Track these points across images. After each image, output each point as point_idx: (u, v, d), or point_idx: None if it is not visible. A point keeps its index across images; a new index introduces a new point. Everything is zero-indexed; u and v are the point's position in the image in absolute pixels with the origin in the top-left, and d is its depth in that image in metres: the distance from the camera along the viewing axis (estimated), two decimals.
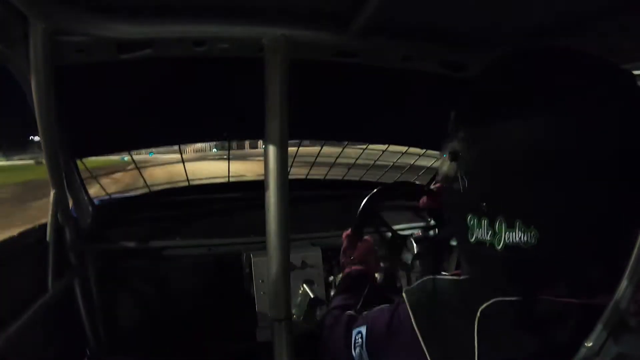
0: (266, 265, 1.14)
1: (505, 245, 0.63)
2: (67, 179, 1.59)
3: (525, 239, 0.61)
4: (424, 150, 2.38)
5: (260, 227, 1.12)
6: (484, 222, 0.66)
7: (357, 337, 0.90)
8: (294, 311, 1.20)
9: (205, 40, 1.14)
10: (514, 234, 0.62)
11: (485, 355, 0.64)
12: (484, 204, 0.66)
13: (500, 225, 0.64)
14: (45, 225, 1.60)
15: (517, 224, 0.62)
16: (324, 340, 1.07)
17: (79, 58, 1.16)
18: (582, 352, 0.56)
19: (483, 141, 0.68)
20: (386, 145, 2.45)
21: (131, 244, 1.95)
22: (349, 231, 1.39)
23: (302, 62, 1.17)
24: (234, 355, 1.99)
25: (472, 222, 0.68)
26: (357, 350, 0.89)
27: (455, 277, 0.75)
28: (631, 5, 0.92)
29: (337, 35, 1.10)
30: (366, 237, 1.40)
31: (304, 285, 1.29)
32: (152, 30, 1.03)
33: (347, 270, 1.28)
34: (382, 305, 0.89)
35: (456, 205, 0.73)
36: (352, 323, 0.96)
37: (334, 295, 1.22)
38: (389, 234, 1.67)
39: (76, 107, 1.46)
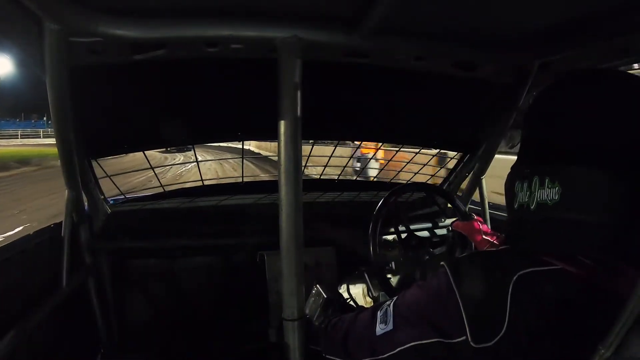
0: (279, 265, 1.14)
1: (537, 204, 0.75)
2: (82, 178, 1.61)
3: (552, 195, 0.72)
4: (437, 150, 2.36)
5: (274, 227, 1.12)
6: (525, 185, 0.78)
7: (387, 302, 0.91)
8: (306, 311, 1.20)
9: (218, 41, 1.15)
10: (543, 191, 0.74)
11: (514, 317, 0.69)
12: (528, 170, 0.78)
13: (535, 184, 0.76)
14: (60, 223, 1.62)
15: (547, 181, 0.73)
16: (343, 329, 1.03)
17: (93, 59, 1.17)
18: (596, 355, 0.56)
19: (534, 126, 0.82)
20: (399, 146, 2.44)
21: (145, 243, 1.97)
22: None
23: (315, 63, 1.17)
24: (246, 355, 2.00)
25: (517, 188, 0.80)
26: (384, 309, 0.89)
27: (494, 249, 0.83)
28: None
29: (349, 35, 1.10)
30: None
31: (317, 285, 1.29)
32: (165, 31, 1.04)
33: None
34: None
35: (509, 180, 0.84)
36: (384, 301, 0.96)
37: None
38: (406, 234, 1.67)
39: (91, 107, 1.47)
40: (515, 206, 0.80)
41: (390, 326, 0.85)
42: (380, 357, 0.87)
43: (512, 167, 0.85)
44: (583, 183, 0.70)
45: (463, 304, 0.73)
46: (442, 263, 0.83)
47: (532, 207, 0.76)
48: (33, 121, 58.23)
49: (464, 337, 0.72)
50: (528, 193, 0.77)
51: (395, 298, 0.90)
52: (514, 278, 0.70)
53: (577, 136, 0.73)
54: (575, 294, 0.69)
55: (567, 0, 0.96)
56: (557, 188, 0.71)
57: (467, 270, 0.78)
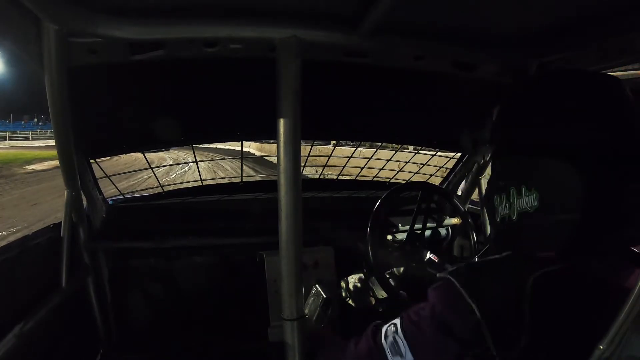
0: (279, 265, 1.14)
1: (518, 214, 0.76)
2: (81, 178, 1.61)
3: (530, 202, 0.74)
4: (436, 150, 2.37)
5: (273, 227, 1.12)
6: (503, 198, 0.79)
7: (388, 328, 0.84)
8: (306, 311, 1.20)
9: (217, 41, 1.14)
10: (522, 200, 0.75)
11: (536, 320, 0.68)
12: (502, 182, 0.79)
13: (513, 195, 0.77)
14: (59, 224, 1.62)
15: (523, 190, 0.75)
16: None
17: (92, 59, 1.17)
18: (596, 353, 0.56)
19: (504, 134, 0.83)
20: (398, 145, 2.44)
21: (144, 243, 1.97)
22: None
23: (315, 63, 1.16)
24: (245, 355, 1.99)
25: (497, 201, 0.81)
26: (391, 338, 0.82)
27: (496, 256, 0.81)
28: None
29: (348, 35, 1.10)
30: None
31: (317, 285, 1.29)
32: (165, 31, 1.03)
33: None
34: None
35: (486, 195, 0.86)
36: (379, 325, 0.89)
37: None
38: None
39: (90, 107, 1.47)
40: (498, 219, 0.82)
41: (409, 356, 0.79)
42: None
43: (488, 182, 0.86)
44: (558, 185, 0.71)
45: (481, 314, 0.70)
46: (442, 275, 0.79)
47: (514, 218, 0.77)
48: (23, 123, 57.69)
49: (486, 348, 0.70)
50: (507, 205, 0.78)
51: (398, 324, 0.83)
52: (530, 282, 0.69)
53: (548, 139, 0.73)
54: (588, 291, 0.70)
55: (566, 0, 0.96)
56: (534, 194, 0.73)
57: (478, 280, 0.76)
